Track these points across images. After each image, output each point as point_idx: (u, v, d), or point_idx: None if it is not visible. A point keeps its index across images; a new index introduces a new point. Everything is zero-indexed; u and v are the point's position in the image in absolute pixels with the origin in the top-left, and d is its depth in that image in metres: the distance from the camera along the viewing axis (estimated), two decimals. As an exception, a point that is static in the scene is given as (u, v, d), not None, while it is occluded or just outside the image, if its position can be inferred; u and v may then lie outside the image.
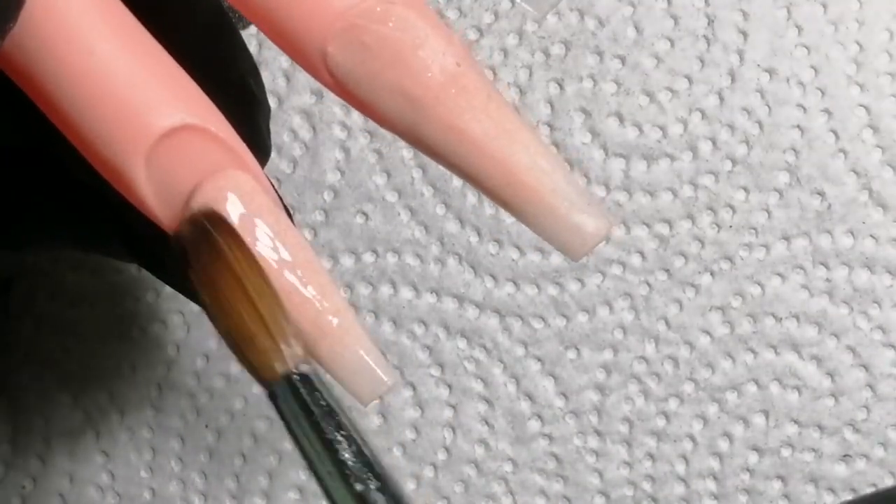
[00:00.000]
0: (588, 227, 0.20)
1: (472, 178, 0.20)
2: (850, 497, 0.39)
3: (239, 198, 0.20)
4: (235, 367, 0.39)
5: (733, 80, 0.38)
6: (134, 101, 0.19)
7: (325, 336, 0.20)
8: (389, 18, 0.19)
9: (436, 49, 0.20)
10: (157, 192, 0.19)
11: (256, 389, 0.39)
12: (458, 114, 0.20)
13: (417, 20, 0.20)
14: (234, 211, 0.19)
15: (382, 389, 0.20)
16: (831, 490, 0.39)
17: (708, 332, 0.39)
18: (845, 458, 0.39)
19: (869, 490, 0.39)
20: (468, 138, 0.20)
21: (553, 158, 0.20)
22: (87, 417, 0.39)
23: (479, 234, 0.39)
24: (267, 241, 0.20)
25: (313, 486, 0.39)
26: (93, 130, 0.19)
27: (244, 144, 0.20)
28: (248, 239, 0.19)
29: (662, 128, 0.38)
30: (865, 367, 0.38)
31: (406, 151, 0.39)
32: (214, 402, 0.39)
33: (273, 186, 0.30)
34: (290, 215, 0.27)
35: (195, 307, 0.39)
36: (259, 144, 0.26)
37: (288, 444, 0.39)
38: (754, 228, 0.38)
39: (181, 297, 0.39)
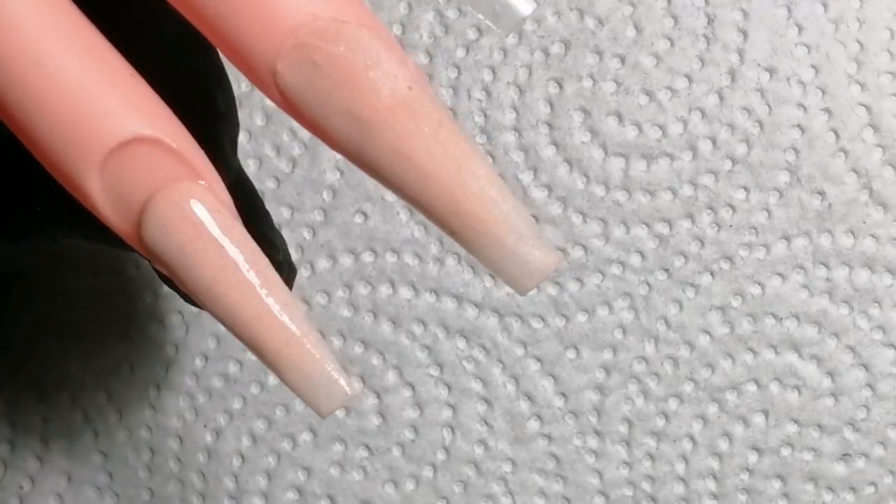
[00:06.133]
0: (535, 260, 0.19)
1: (420, 206, 0.20)
2: (849, 496, 0.39)
3: (192, 210, 0.19)
4: (234, 368, 0.39)
5: (733, 79, 0.38)
6: (85, 113, 0.19)
7: (284, 349, 0.20)
8: (342, 38, 0.19)
9: (388, 71, 0.19)
10: (112, 204, 0.19)
11: (255, 389, 0.39)
12: (407, 138, 0.19)
13: (371, 41, 0.19)
14: (185, 224, 0.19)
15: (342, 401, 0.20)
16: (831, 489, 0.39)
17: (708, 332, 0.39)
18: (845, 457, 0.39)
19: (869, 489, 0.39)
20: (415, 164, 0.19)
21: (503, 189, 0.19)
22: (86, 417, 0.39)
23: (478, 233, 0.38)
24: (218, 253, 0.19)
25: (312, 487, 0.39)
26: (45, 141, 0.19)
27: (204, 155, 0.20)
28: (198, 251, 0.19)
29: (662, 127, 0.38)
30: (865, 367, 0.38)
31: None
32: (213, 402, 0.39)
33: (254, 194, 0.29)
34: (260, 219, 0.26)
35: (194, 307, 0.39)
36: (220, 161, 0.25)
37: (286, 445, 0.39)
38: (754, 228, 0.38)
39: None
